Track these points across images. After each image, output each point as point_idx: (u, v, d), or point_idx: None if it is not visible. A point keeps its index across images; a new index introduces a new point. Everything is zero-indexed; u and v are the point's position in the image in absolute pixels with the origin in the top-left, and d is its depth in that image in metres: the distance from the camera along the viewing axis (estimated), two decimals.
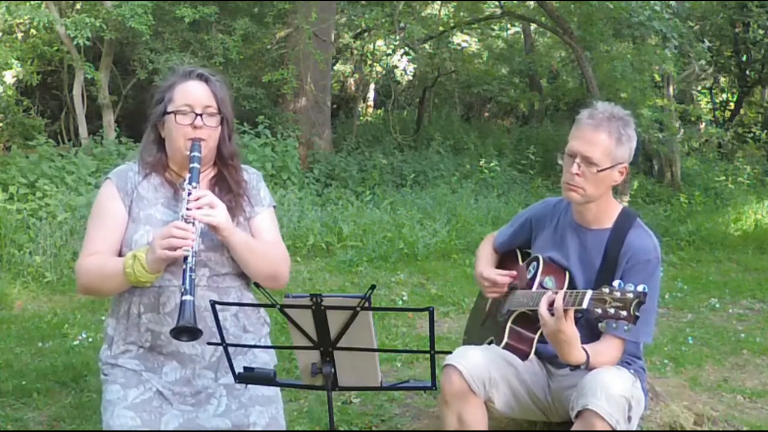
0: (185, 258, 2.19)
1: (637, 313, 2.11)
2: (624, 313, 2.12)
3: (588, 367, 2.34)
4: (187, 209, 2.25)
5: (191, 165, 2.33)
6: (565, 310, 2.24)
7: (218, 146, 2.45)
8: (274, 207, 2.61)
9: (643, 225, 2.55)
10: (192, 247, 2.20)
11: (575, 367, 2.36)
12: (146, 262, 2.23)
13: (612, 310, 2.13)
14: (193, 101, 2.38)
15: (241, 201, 2.47)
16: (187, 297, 2.13)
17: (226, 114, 2.44)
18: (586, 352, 2.33)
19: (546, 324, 2.27)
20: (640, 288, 2.12)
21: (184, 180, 2.36)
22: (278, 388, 2.43)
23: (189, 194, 2.28)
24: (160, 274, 2.29)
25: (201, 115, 2.37)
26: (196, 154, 2.34)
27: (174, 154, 2.43)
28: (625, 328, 2.15)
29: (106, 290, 2.40)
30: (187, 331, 2.11)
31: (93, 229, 2.43)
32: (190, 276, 2.16)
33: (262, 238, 2.48)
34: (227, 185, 2.47)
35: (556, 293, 2.28)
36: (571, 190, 2.49)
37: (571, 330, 2.26)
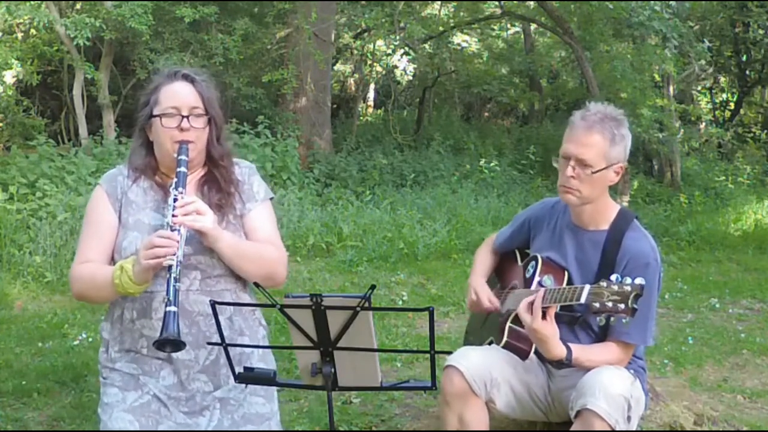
0: (169, 267, 2.13)
1: (635, 306, 2.13)
2: (622, 306, 2.13)
3: (572, 362, 2.37)
4: (173, 216, 2.19)
5: (178, 169, 2.27)
6: (546, 310, 2.30)
7: (207, 147, 2.39)
8: (271, 199, 2.52)
9: (640, 227, 2.55)
10: (176, 256, 2.14)
11: (559, 363, 2.40)
12: (133, 273, 2.18)
13: (610, 304, 2.15)
14: (179, 103, 2.32)
15: (231, 199, 2.40)
16: (171, 308, 2.07)
17: (214, 114, 2.38)
18: (568, 347, 2.36)
19: (524, 322, 2.34)
20: (638, 281, 2.14)
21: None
22: (274, 406, 2.42)
23: (175, 200, 2.22)
24: (148, 284, 2.23)
25: (188, 116, 2.31)
26: (183, 157, 2.28)
27: (163, 158, 2.38)
28: (624, 320, 2.16)
29: (99, 299, 2.39)
30: (171, 343, 2.07)
31: (85, 237, 2.39)
32: (174, 286, 2.11)
33: (256, 236, 2.41)
34: (217, 184, 2.40)
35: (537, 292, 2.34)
36: (567, 192, 2.50)
37: (546, 330, 2.31)
